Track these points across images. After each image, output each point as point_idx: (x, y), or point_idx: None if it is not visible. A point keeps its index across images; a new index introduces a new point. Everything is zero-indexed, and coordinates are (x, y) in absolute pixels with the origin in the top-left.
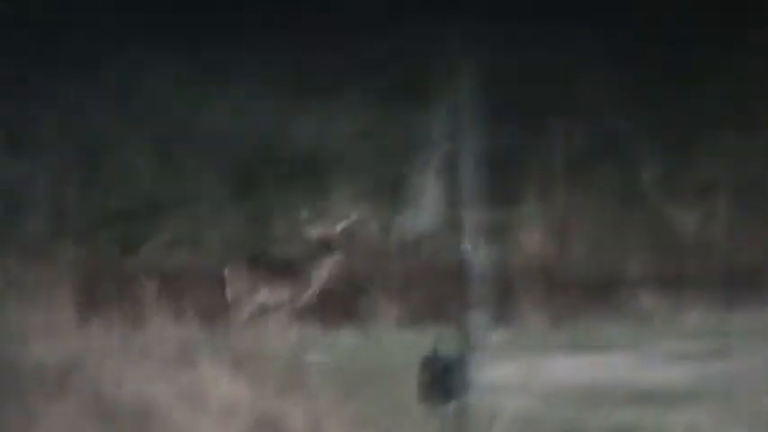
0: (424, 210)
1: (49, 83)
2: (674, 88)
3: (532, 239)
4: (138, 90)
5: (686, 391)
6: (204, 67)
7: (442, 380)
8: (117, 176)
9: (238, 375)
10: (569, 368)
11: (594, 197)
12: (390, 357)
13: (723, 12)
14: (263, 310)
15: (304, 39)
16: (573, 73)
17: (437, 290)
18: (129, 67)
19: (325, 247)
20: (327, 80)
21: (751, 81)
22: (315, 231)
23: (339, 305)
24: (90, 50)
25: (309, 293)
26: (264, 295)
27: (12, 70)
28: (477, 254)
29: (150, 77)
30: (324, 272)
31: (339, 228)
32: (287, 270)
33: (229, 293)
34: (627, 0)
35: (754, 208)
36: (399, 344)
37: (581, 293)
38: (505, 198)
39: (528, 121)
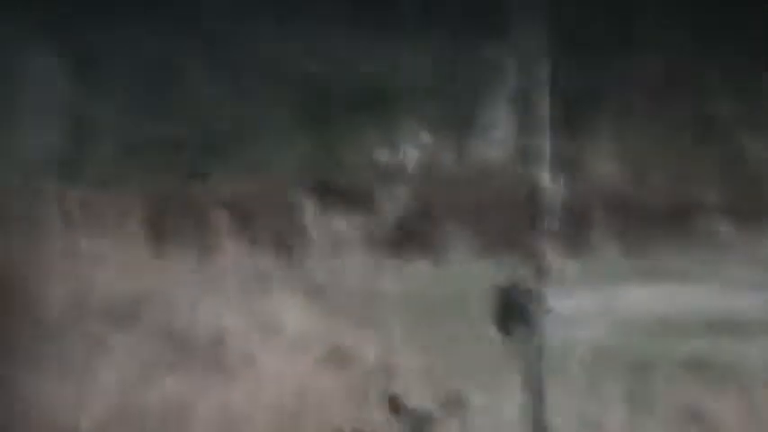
0: (498, 140)
1: (115, 11)
2: (747, 18)
3: (608, 170)
4: (205, 18)
5: (763, 322)
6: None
7: (517, 310)
8: (185, 104)
9: (312, 306)
10: (644, 298)
11: (670, 127)
12: (464, 287)
13: None
14: (337, 240)
15: None
16: (646, 6)
17: (511, 220)
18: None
19: (397, 175)
20: (397, 8)
21: None
22: (385, 160)
23: (412, 235)
24: None
25: (382, 223)
26: (337, 224)
27: (87, 3)
28: (551, 184)
29: (216, 6)
30: (396, 201)
31: (410, 156)
32: (359, 199)
33: (302, 222)
34: None
35: None
36: (473, 274)
37: (655, 223)
38: (580, 128)
39: (602, 52)
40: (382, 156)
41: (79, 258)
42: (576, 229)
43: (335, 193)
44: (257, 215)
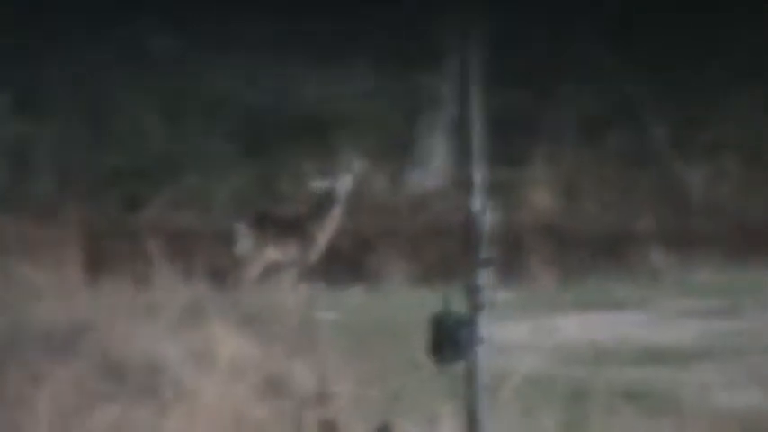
0: (433, 168)
1: (56, 46)
2: (682, 51)
3: (542, 199)
4: (146, 50)
5: (696, 350)
6: (209, 34)
7: (451, 338)
8: (123, 136)
9: (247, 334)
10: (579, 327)
11: (603, 157)
12: (399, 315)
13: None
14: (272, 268)
15: (311, 3)
16: (583, 35)
17: (445, 248)
18: (137, 33)
19: (332, 203)
20: (336, 43)
21: (760, 43)
22: (321, 188)
23: (348, 263)
24: (99, 16)
25: (317, 251)
26: (272, 253)
27: (19, 34)
28: (485, 212)
29: (157, 44)
30: (330, 229)
31: (345, 184)
32: (294, 227)
33: (237, 251)
34: None
35: (762, 166)
36: (408, 302)
37: (590, 252)
38: (515, 158)
39: (538, 83)
40: (318, 185)
41: (15, 288)
42: (511, 258)
43: (270, 222)
44: (193, 245)
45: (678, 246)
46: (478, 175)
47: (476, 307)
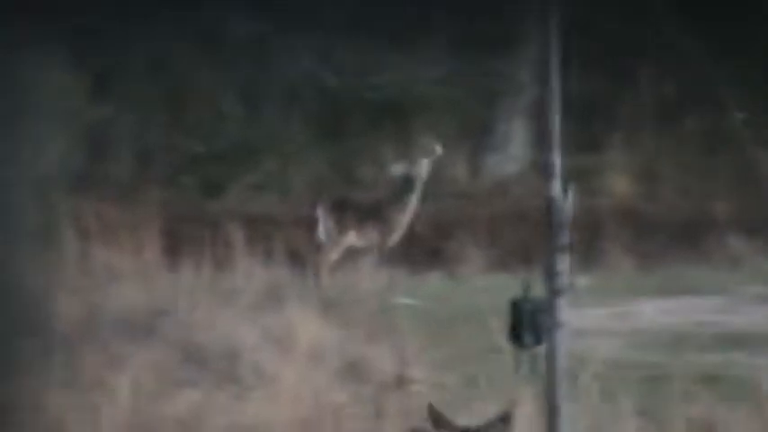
0: (512, 154)
1: (135, 29)
2: (760, 33)
3: (620, 184)
4: (222, 34)
5: None
6: (288, 18)
7: (530, 323)
8: (201, 120)
9: (326, 318)
10: (657, 312)
11: (682, 141)
12: (478, 301)
13: None
14: (351, 254)
15: None
16: (661, 20)
17: (524, 233)
18: (216, 16)
19: (410, 189)
20: (414, 28)
21: None
22: (399, 173)
23: (426, 248)
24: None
25: (396, 236)
26: (352, 238)
27: (99, 17)
28: (564, 198)
29: (236, 28)
30: (409, 215)
31: (423, 169)
32: (373, 213)
33: (317, 236)
34: None
35: None
36: (486, 287)
37: (668, 237)
38: (594, 143)
39: (616, 67)
40: (397, 170)
41: (94, 271)
42: (590, 243)
43: (350, 207)
44: (272, 229)
45: (757, 231)
46: (557, 160)
47: (554, 292)
